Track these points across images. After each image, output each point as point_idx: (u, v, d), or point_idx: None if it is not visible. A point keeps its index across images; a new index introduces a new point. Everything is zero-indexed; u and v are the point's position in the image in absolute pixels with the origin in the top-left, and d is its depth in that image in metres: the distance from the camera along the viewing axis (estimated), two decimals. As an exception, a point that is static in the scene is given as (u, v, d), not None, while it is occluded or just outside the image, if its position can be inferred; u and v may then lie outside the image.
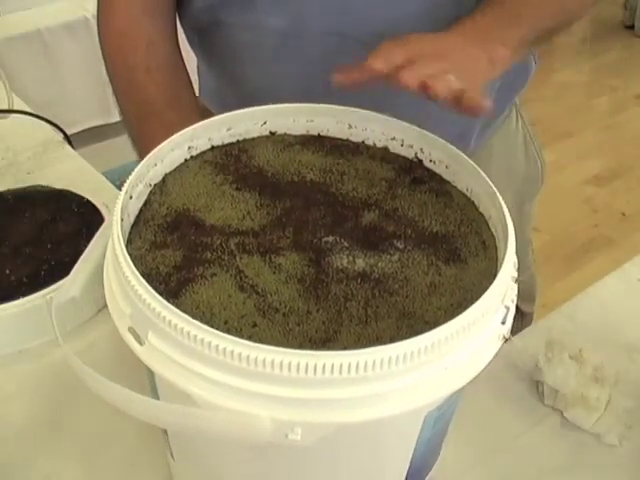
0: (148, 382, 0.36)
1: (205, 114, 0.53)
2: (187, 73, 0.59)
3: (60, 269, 0.54)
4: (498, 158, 0.66)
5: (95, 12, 0.59)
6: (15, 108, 0.79)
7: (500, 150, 0.67)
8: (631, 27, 2.83)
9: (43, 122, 0.78)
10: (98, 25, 0.59)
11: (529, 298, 0.75)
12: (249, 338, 0.30)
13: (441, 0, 0.53)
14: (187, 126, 0.42)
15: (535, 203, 0.74)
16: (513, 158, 0.69)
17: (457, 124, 0.60)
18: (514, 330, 0.33)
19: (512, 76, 0.64)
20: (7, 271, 0.55)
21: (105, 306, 0.34)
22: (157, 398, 0.35)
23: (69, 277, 0.37)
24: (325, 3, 0.52)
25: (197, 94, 0.68)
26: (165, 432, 0.40)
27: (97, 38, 0.59)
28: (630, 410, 0.49)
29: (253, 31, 0.55)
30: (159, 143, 0.40)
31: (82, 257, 0.37)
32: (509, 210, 0.36)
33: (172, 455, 0.41)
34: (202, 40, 0.62)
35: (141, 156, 0.45)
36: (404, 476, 0.38)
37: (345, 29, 0.53)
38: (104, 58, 0.58)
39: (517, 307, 0.76)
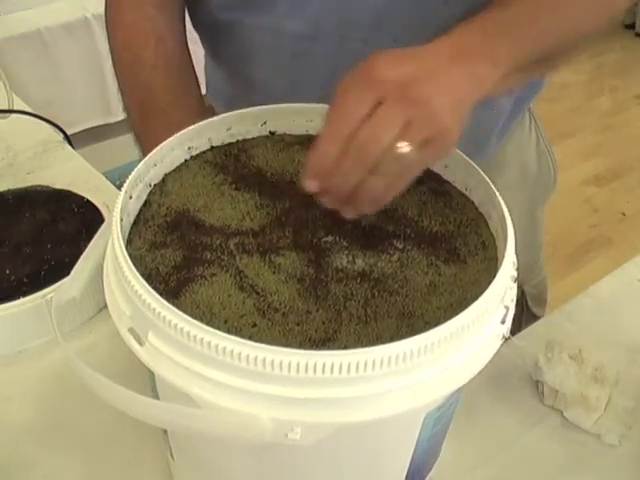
0: (148, 382, 0.36)
1: (212, 113, 0.52)
2: (194, 71, 0.58)
3: (60, 269, 0.54)
4: (511, 161, 0.66)
5: (95, 12, 0.59)
6: (15, 108, 0.79)
7: (513, 153, 0.66)
8: (631, 27, 2.83)
9: (43, 122, 0.77)
10: (106, 19, 0.58)
11: (540, 301, 0.75)
12: (249, 338, 0.30)
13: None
14: (191, 126, 0.42)
15: (546, 208, 0.73)
16: (526, 161, 0.68)
17: (472, 132, 0.60)
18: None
19: (529, 84, 0.64)
20: (7, 271, 0.55)
21: (105, 306, 0.34)
22: (157, 398, 0.35)
23: (69, 277, 0.37)
24: (344, 8, 0.51)
25: (204, 91, 0.68)
26: (165, 431, 0.40)
27: (97, 38, 0.59)
28: (630, 410, 0.49)
29: (272, 34, 0.55)
30: (162, 142, 0.40)
31: (82, 257, 0.37)
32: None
33: (172, 454, 0.41)
34: (216, 39, 0.61)
35: (143, 153, 0.44)
36: (404, 476, 0.38)
37: (364, 34, 0.52)
38: (111, 53, 0.58)
39: (529, 310, 0.75)
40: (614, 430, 0.48)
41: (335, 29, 0.53)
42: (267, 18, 0.54)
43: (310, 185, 0.35)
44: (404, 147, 0.33)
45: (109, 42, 0.58)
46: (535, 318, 0.69)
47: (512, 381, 0.52)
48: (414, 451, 0.36)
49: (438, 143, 0.35)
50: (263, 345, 0.28)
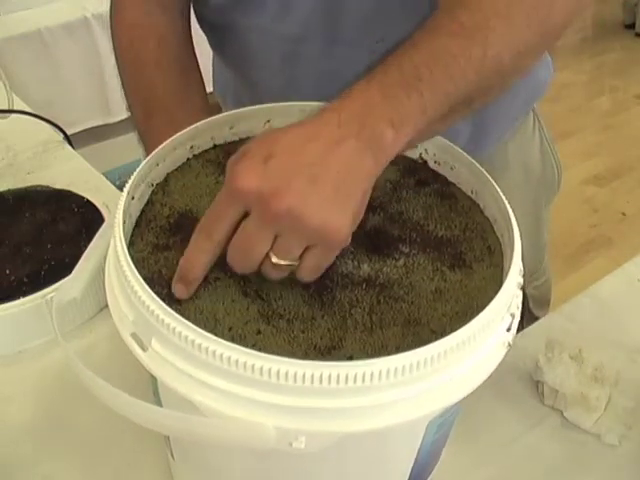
0: (151, 385, 0.36)
1: (217, 111, 0.52)
2: (198, 71, 0.58)
3: (60, 269, 0.54)
4: (514, 161, 0.65)
5: (95, 12, 0.59)
6: (15, 108, 0.79)
7: (516, 153, 0.65)
8: (631, 27, 2.83)
9: (43, 122, 0.77)
10: (110, 18, 0.58)
11: (543, 303, 0.74)
12: (253, 345, 0.30)
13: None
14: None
15: (551, 209, 0.73)
16: (529, 161, 0.68)
17: (469, 127, 0.60)
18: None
19: (531, 86, 0.62)
20: (7, 271, 0.55)
21: (106, 306, 0.34)
22: (159, 401, 0.35)
23: (70, 277, 0.37)
24: (332, 10, 0.51)
25: (211, 90, 0.68)
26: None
27: (97, 38, 0.59)
28: (630, 410, 0.49)
29: (264, 35, 0.55)
30: (165, 140, 0.40)
31: (83, 257, 0.37)
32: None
33: (172, 455, 0.41)
34: (217, 39, 0.61)
35: (147, 152, 0.44)
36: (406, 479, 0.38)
37: (351, 36, 0.52)
38: (115, 51, 0.58)
39: (531, 313, 0.75)
40: (614, 430, 0.48)
41: (323, 31, 0.53)
42: (259, 20, 0.54)
43: (178, 291, 0.33)
44: (279, 259, 0.32)
45: (112, 41, 0.58)
46: (537, 320, 0.70)
47: (512, 381, 0.52)
48: (417, 456, 0.36)
49: (322, 245, 0.32)
50: (268, 355, 0.27)
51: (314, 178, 0.31)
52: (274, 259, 0.32)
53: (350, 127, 0.32)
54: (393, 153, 0.34)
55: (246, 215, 0.32)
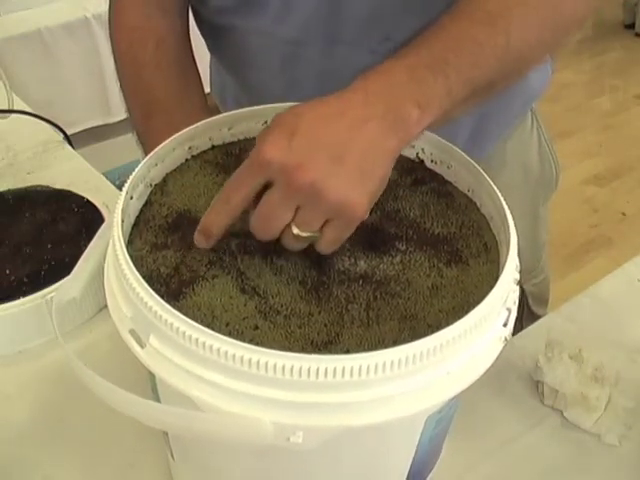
0: (149, 383, 0.36)
1: (216, 112, 0.52)
2: (197, 73, 0.59)
3: (60, 269, 0.54)
4: (512, 161, 0.66)
5: (95, 12, 0.59)
6: (15, 108, 0.79)
7: (514, 152, 0.66)
8: (631, 27, 2.84)
9: (43, 122, 0.77)
10: (109, 20, 0.59)
11: (542, 301, 0.75)
12: (251, 341, 0.30)
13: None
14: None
15: (549, 206, 0.73)
16: (527, 160, 0.68)
17: (469, 127, 0.60)
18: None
19: (530, 85, 0.63)
20: (7, 271, 0.55)
21: (105, 306, 0.34)
22: (158, 399, 0.35)
23: (70, 277, 0.37)
24: (333, 12, 0.52)
25: (208, 90, 0.68)
26: (165, 432, 0.40)
27: (97, 38, 0.59)
28: (630, 410, 0.49)
29: (264, 38, 0.55)
30: (164, 141, 0.40)
31: (82, 257, 0.37)
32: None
33: (172, 455, 0.41)
34: (216, 42, 0.61)
35: (146, 153, 0.45)
36: (405, 477, 0.38)
37: (352, 38, 0.52)
38: (114, 54, 0.58)
39: (530, 310, 0.75)
40: (614, 430, 0.48)
41: (323, 32, 0.53)
42: (259, 22, 0.54)
43: (198, 240, 0.35)
44: (300, 231, 0.33)
45: (111, 44, 0.58)
46: (536, 318, 0.70)
47: (512, 381, 0.52)
48: (415, 452, 0.36)
49: (340, 220, 0.33)
50: (265, 349, 0.28)
51: (338, 157, 0.32)
52: (295, 230, 0.33)
53: (376, 107, 0.33)
54: (417, 133, 0.35)
55: (267, 188, 0.33)
